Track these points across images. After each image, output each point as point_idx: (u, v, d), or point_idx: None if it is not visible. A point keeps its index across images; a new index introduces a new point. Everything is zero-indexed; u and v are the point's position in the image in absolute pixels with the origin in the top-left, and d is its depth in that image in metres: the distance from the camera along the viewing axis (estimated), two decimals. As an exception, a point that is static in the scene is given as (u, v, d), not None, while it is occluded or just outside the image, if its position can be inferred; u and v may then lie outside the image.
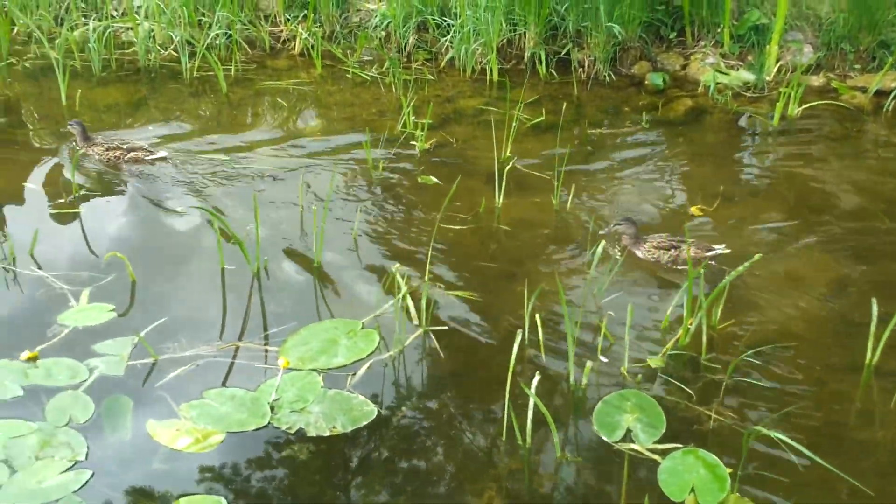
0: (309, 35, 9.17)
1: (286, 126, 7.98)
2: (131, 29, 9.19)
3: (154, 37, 9.07)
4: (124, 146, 7.23)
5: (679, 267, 6.05)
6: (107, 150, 7.20)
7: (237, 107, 8.35)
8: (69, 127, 7.25)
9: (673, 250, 6.10)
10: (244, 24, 9.24)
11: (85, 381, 4.97)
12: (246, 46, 9.20)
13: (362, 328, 5.42)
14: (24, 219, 6.54)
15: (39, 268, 5.95)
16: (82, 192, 6.81)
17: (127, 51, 9.20)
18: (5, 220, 6.51)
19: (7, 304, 5.66)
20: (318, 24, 9.27)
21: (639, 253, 6.20)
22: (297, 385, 4.93)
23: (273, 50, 9.35)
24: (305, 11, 9.26)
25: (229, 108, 8.33)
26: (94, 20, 9.02)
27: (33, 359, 5.12)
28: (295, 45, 9.32)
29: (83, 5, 9.49)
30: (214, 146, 7.57)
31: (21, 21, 9.40)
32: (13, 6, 9.38)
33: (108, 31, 9.02)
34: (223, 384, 5.00)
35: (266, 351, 5.26)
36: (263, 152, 7.45)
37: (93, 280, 5.85)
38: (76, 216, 6.55)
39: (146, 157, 7.20)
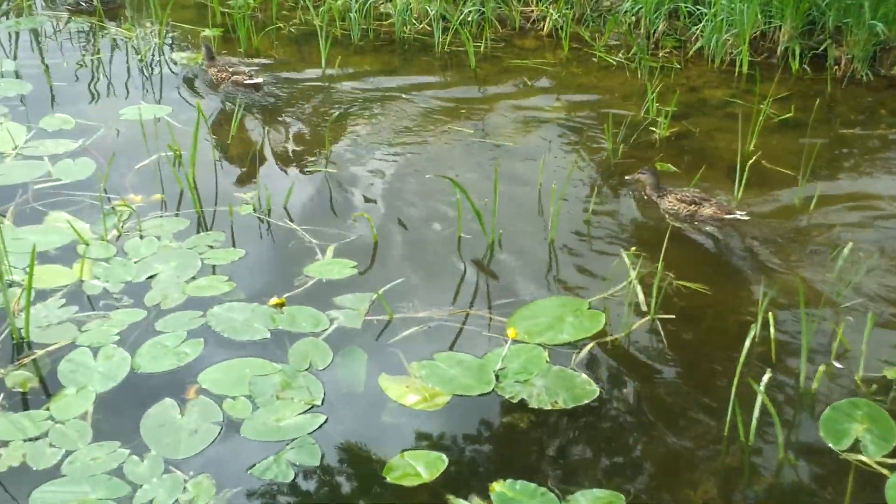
0: (559, 16, 9.25)
1: (529, 105, 8.11)
2: (390, 1, 9.56)
3: (410, 10, 9.40)
4: (229, 69, 8.14)
5: (696, 222, 6.29)
6: (218, 71, 8.24)
7: (483, 82, 8.55)
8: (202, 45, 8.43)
9: (693, 205, 6.33)
10: (497, 3, 9.42)
11: (325, 330, 5.28)
12: (497, 24, 9.39)
13: (589, 308, 5.49)
14: (282, 174, 6.97)
15: (291, 220, 6.35)
16: (333, 151, 7.17)
17: (384, 22, 9.58)
18: (264, 174, 6.95)
19: (260, 252, 6.08)
20: (569, 7, 9.33)
21: (661, 203, 6.45)
22: (523, 357, 5.07)
23: (522, 29, 9.50)
24: (558, -7, 9.36)
25: (476, 83, 8.54)
26: (356, -9, 9.46)
27: (280, 305, 5.48)
28: (544, 25, 9.42)
29: (348, -24, 9.96)
30: (461, 119, 7.79)
31: (289, -12, 9.98)
32: (284, -27, 9.97)
33: (369, 2, 9.42)
34: (452, 348, 5.20)
35: (491, 320, 5.42)
36: (506, 129, 7.60)
37: (339, 237, 6.18)
38: (329, 175, 6.91)
39: (244, 81, 8.09)
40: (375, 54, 9.09)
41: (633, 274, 5.55)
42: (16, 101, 7.85)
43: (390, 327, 5.35)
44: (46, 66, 8.68)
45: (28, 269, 5.20)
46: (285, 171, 7.02)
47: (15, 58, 8.78)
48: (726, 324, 5.40)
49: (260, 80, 8.18)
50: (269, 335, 5.24)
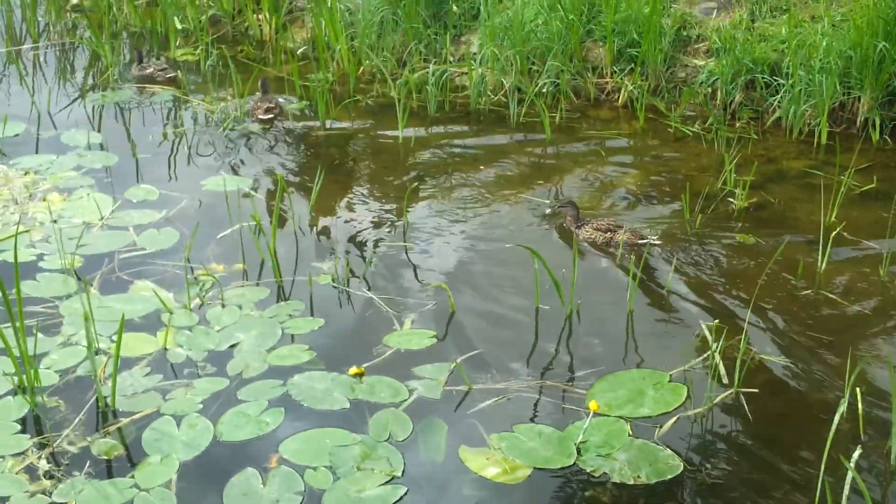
0: (634, 87, 9.29)
1: (605, 176, 8.12)
2: (466, 74, 9.69)
3: (486, 82, 9.51)
4: (260, 104, 9.17)
5: (611, 249, 6.81)
6: (255, 104, 9.25)
7: (559, 153, 8.59)
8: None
9: (609, 233, 6.87)
10: (572, 75, 9.49)
11: (405, 400, 5.29)
12: (572, 95, 9.45)
13: (670, 381, 5.43)
14: (360, 243, 7.04)
15: (369, 289, 6.40)
16: (410, 222, 7.24)
17: (460, 94, 9.70)
18: (343, 243, 7.03)
19: (339, 321, 6.13)
20: (644, 78, 9.37)
21: (579, 233, 6.98)
22: (604, 430, 5.01)
23: (597, 100, 9.54)
24: (632, 65, 9.38)
25: (551, 153, 8.59)
26: (433, 64, 9.58)
27: (359, 374, 5.51)
28: (619, 96, 9.46)
29: (423, 50, 10.10)
30: (536, 189, 7.83)
31: (368, 61, 10.14)
32: (363, 47, 10.14)
33: (445, 75, 9.56)
34: (531, 420, 5.16)
35: (570, 391, 5.38)
36: (583, 200, 7.61)
37: (417, 306, 6.22)
38: (407, 244, 6.97)
39: (258, 115, 9.08)
40: (451, 125, 9.20)
41: (714, 346, 5.48)
42: (102, 172, 8.08)
43: (469, 398, 5.34)
44: (131, 138, 8.93)
45: (115, 338, 5.31)
46: (363, 241, 7.09)
47: (100, 130, 9.05)
48: (812, 398, 5.30)
49: (270, 116, 9.12)
50: (348, 405, 5.26)
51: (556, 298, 6.10)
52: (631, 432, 5.00)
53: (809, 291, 6.31)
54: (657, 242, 6.78)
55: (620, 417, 5.11)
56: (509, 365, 5.65)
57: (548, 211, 7.29)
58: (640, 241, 6.77)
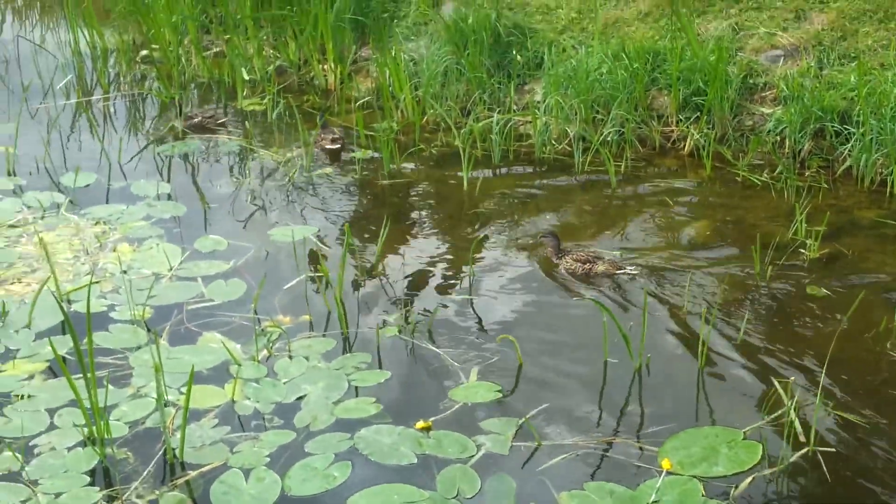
0: (700, 136, 9.21)
1: (671, 225, 8.04)
2: (530, 122, 9.69)
3: (550, 131, 9.50)
4: (323, 136, 9.57)
5: (591, 279, 7.06)
6: (321, 137, 9.63)
7: (624, 202, 8.53)
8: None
9: (588, 264, 7.09)
10: (637, 123, 9.44)
11: (472, 456, 5.23)
12: (637, 144, 9.39)
13: (743, 438, 5.30)
14: (426, 294, 7.02)
15: (434, 342, 6.37)
16: (477, 272, 7.22)
17: (524, 143, 9.69)
18: (409, 295, 7.02)
19: (405, 374, 6.10)
20: (710, 126, 9.29)
21: (560, 264, 7.22)
22: (677, 489, 4.91)
23: (662, 149, 9.47)
24: (698, 113, 9.31)
25: (617, 203, 8.53)
26: (497, 113, 9.60)
27: (427, 429, 5.46)
28: (685, 145, 9.39)
29: (487, 99, 10.13)
30: (603, 240, 7.77)
31: (432, 110, 10.20)
32: (427, 96, 10.20)
33: (510, 124, 9.57)
34: (601, 477, 5.07)
35: (642, 449, 5.29)
36: (649, 250, 7.54)
37: (482, 359, 6.17)
38: (472, 296, 6.94)
39: (325, 145, 9.62)
40: (515, 174, 9.19)
41: (789, 403, 5.35)
42: (171, 222, 8.18)
43: (538, 453, 5.27)
44: (199, 188, 9.04)
45: (183, 389, 5.33)
46: (429, 291, 7.08)
47: (169, 180, 9.18)
48: (891, 457, 5.14)
49: (338, 146, 9.57)
50: (416, 460, 5.22)
51: (625, 352, 6.02)
52: (704, 492, 4.88)
53: (886, 345, 6.15)
54: (634, 272, 7.06)
55: (694, 476, 4.99)
56: (578, 420, 5.57)
57: (529, 241, 7.65)
58: (618, 272, 7.07)
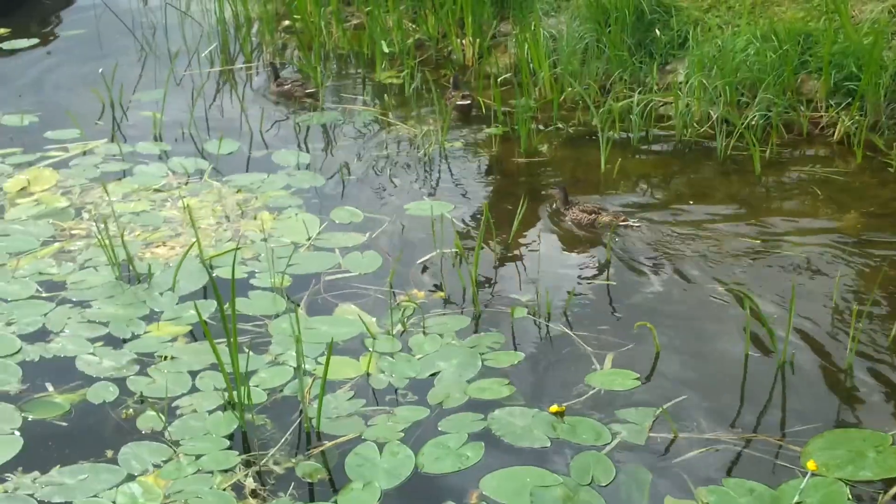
0: (851, 123, 8.84)
1: (819, 215, 7.74)
2: (670, 104, 9.45)
3: (692, 113, 9.25)
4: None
5: (596, 229, 7.42)
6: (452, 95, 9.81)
7: (769, 191, 8.26)
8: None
9: (593, 214, 7.43)
10: (784, 108, 9.12)
11: (608, 444, 5.15)
12: (783, 129, 9.07)
13: (893, 443, 5.08)
14: (562, 277, 6.93)
15: (570, 326, 6.29)
16: (614, 258, 7.09)
17: (664, 124, 9.46)
18: (544, 276, 6.93)
19: (538, 357, 6.04)
20: (862, 113, 8.90)
21: (568, 214, 7.58)
22: (821, 491, 4.74)
23: (810, 135, 9.11)
24: (850, 99, 8.93)
25: (761, 190, 8.26)
26: (637, 93, 9.40)
27: (560, 413, 5.40)
28: (834, 132, 9.02)
29: (627, 78, 9.92)
30: (746, 228, 7.54)
31: (570, 88, 10.04)
32: (566, 74, 10.06)
33: (650, 104, 9.36)
34: (740, 474, 4.93)
35: (783, 448, 5.12)
36: (794, 241, 7.28)
37: (617, 345, 6.06)
38: (609, 281, 6.82)
39: (456, 101, 9.63)
40: (654, 157, 8.99)
41: (944, 409, 5.11)
42: (310, 192, 8.27)
43: (675, 446, 5.16)
44: (337, 159, 9.11)
45: (319, 359, 5.39)
46: (564, 274, 6.99)
47: (308, 150, 9.28)
48: None
49: (468, 102, 9.68)
50: (549, 444, 5.17)
51: (767, 344, 5.83)
52: (850, 496, 4.70)
53: None
54: (638, 226, 7.36)
55: (839, 479, 4.81)
56: (716, 414, 5.43)
57: (543, 193, 8.02)
58: (622, 224, 7.34)
